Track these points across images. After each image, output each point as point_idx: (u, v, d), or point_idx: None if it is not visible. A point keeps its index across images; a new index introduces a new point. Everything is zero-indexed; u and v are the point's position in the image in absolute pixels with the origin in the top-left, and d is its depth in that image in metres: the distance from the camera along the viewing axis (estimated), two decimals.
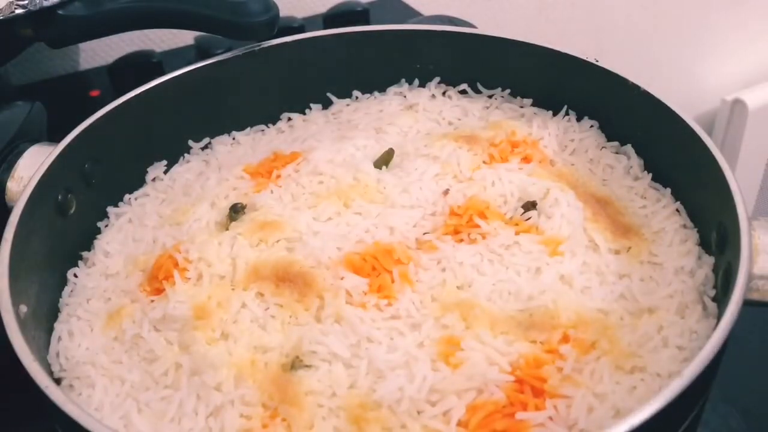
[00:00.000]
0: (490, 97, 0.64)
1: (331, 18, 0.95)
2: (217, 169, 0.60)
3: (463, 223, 0.52)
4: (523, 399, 0.41)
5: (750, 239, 0.43)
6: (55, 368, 0.47)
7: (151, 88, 0.59)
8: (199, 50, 0.88)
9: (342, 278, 0.48)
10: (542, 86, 0.62)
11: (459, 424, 0.40)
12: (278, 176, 0.57)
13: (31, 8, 0.58)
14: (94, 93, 0.88)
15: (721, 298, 0.46)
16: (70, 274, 0.53)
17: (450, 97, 0.65)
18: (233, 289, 0.49)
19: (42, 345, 0.48)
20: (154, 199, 0.59)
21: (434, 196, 0.54)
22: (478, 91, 0.65)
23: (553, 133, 0.59)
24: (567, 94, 0.61)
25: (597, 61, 0.58)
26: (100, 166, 0.56)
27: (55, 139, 0.54)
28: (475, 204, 0.52)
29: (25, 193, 0.49)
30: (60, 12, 0.59)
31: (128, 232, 0.56)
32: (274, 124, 0.66)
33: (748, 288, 0.41)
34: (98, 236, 0.56)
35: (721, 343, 0.38)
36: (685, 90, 1.44)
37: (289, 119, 0.66)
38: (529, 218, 0.52)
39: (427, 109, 0.64)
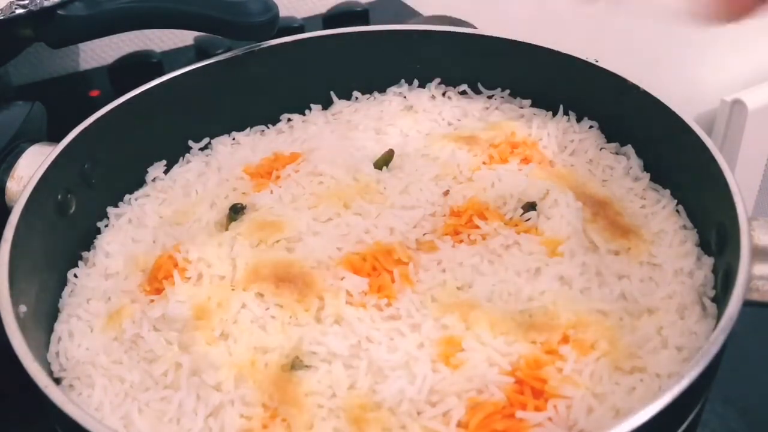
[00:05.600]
0: (489, 97, 0.65)
1: (330, 18, 0.95)
2: (217, 169, 0.60)
3: (463, 223, 0.52)
4: (523, 400, 0.41)
5: (750, 239, 0.43)
6: (54, 368, 0.47)
7: (151, 88, 0.59)
8: (199, 50, 0.88)
9: (342, 278, 0.48)
10: (542, 87, 0.62)
11: (459, 424, 0.40)
12: (278, 177, 0.57)
13: (31, 8, 0.58)
14: (94, 93, 0.88)
15: (720, 299, 0.46)
16: (70, 274, 0.53)
17: (450, 98, 0.65)
18: (233, 290, 0.49)
19: (42, 345, 0.48)
20: (154, 199, 0.59)
21: (434, 196, 0.54)
22: (478, 92, 0.65)
23: (553, 134, 0.59)
24: (567, 94, 0.61)
25: (597, 61, 0.58)
26: (100, 166, 0.56)
27: (55, 139, 0.54)
28: (474, 205, 0.52)
29: (24, 193, 0.49)
30: (60, 12, 0.59)
31: (128, 233, 0.56)
32: (274, 124, 0.66)
33: (748, 288, 0.41)
34: (98, 236, 0.56)
35: (721, 344, 0.38)
36: (685, 90, 1.44)
37: (289, 120, 0.66)
38: (529, 219, 0.52)
39: (426, 109, 0.64)
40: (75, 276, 0.53)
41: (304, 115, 0.66)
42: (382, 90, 0.66)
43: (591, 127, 0.60)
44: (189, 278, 0.49)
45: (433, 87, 0.66)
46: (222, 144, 0.63)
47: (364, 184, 0.55)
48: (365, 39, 0.65)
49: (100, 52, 0.93)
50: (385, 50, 0.65)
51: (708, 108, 1.46)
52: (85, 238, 0.56)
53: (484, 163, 0.57)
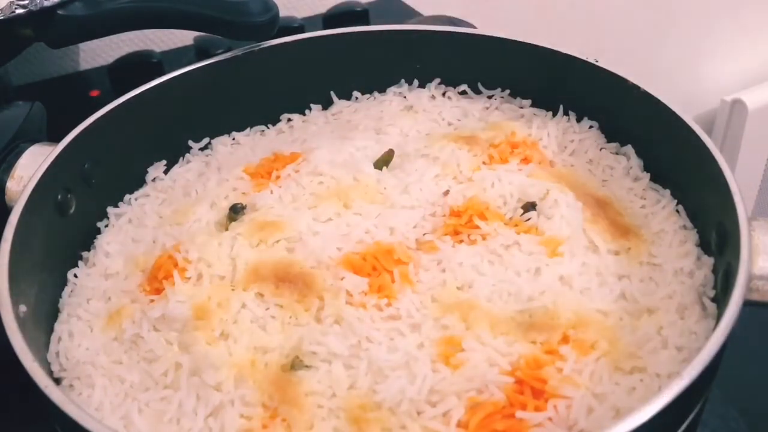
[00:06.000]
0: (489, 97, 0.64)
1: (330, 18, 0.95)
2: (217, 169, 0.60)
3: (463, 223, 0.52)
4: (523, 400, 0.41)
5: (750, 239, 0.43)
6: (54, 368, 0.47)
7: (151, 88, 0.59)
8: (199, 50, 0.88)
9: (342, 278, 0.48)
10: (542, 86, 0.62)
11: (459, 424, 0.40)
12: (278, 177, 0.57)
13: (31, 8, 0.58)
14: (94, 93, 0.88)
15: (720, 299, 0.46)
16: (70, 274, 0.53)
17: (450, 98, 0.65)
18: (233, 290, 0.49)
19: (42, 345, 0.48)
20: (154, 199, 0.59)
21: (434, 196, 0.54)
22: (478, 92, 0.65)
23: (553, 134, 0.59)
24: (567, 94, 0.61)
25: (597, 61, 0.58)
26: (100, 166, 0.56)
27: (55, 139, 0.54)
28: (474, 205, 0.52)
29: (24, 193, 0.49)
30: (60, 12, 0.59)
31: (128, 233, 0.56)
32: (274, 124, 0.66)
33: (748, 288, 0.41)
34: (98, 236, 0.56)
35: (721, 344, 0.38)
36: (685, 90, 1.44)
37: (289, 120, 0.66)
38: (529, 219, 0.52)
39: (426, 109, 0.64)
40: (75, 276, 0.53)
41: (304, 115, 0.66)
42: (382, 90, 0.66)
43: (591, 127, 0.60)
44: (189, 278, 0.49)
45: (433, 87, 0.66)
46: (222, 144, 0.63)
47: (364, 184, 0.55)
48: (365, 39, 0.64)
49: (100, 52, 0.93)
50: (385, 50, 0.65)
51: (708, 108, 1.46)
52: (85, 238, 0.56)
53: (484, 163, 0.57)
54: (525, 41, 0.61)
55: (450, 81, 0.65)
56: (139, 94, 0.58)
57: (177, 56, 0.91)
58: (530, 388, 0.41)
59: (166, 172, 0.61)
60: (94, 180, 0.56)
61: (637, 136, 0.57)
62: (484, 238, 0.51)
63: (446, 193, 0.54)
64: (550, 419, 0.40)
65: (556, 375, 0.42)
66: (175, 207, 0.57)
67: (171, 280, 0.49)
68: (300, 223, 0.52)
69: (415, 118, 0.63)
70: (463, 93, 0.65)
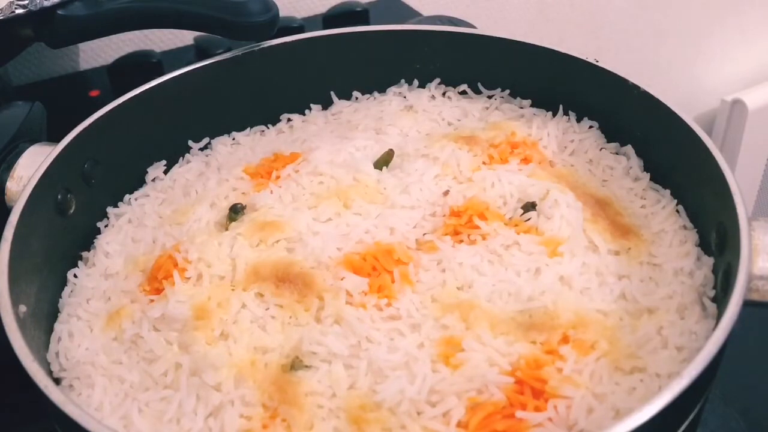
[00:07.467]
0: (489, 97, 0.65)
1: (330, 18, 0.95)
2: (216, 169, 0.60)
3: (463, 223, 0.52)
4: (523, 400, 0.41)
5: (750, 239, 0.43)
6: (54, 368, 0.47)
7: (150, 88, 0.59)
8: (199, 50, 0.88)
9: (342, 278, 0.48)
10: (542, 87, 0.62)
11: (459, 424, 0.40)
12: (278, 177, 0.57)
13: (31, 8, 0.58)
14: (94, 93, 0.88)
15: (720, 299, 0.46)
16: (69, 274, 0.53)
17: (450, 98, 0.65)
18: (233, 290, 0.49)
19: (42, 345, 0.48)
20: (154, 199, 0.59)
21: (434, 196, 0.54)
22: (478, 92, 0.65)
23: (553, 134, 0.59)
24: (567, 94, 0.61)
25: (597, 61, 0.58)
26: (100, 166, 0.56)
27: (55, 139, 0.54)
28: (474, 205, 0.52)
29: (24, 192, 0.49)
30: (60, 12, 0.59)
31: (128, 233, 0.56)
32: (274, 124, 0.66)
33: (748, 288, 0.41)
34: (98, 236, 0.56)
35: (721, 344, 0.38)
36: (685, 90, 1.44)
37: (289, 120, 0.66)
38: (529, 219, 0.52)
39: (426, 109, 0.64)
40: (75, 276, 0.53)
41: (304, 115, 0.66)
42: (382, 90, 0.66)
43: (591, 127, 0.60)
44: (189, 278, 0.49)
45: (433, 87, 0.66)
46: (222, 144, 0.63)
47: (364, 184, 0.55)
48: (365, 39, 0.65)
49: (100, 52, 0.93)
50: (385, 50, 0.65)
51: (708, 108, 1.46)
52: (85, 238, 0.56)
53: (484, 163, 0.57)
54: (525, 41, 0.61)
55: (450, 81, 0.66)
56: (139, 94, 0.58)
57: (177, 56, 0.91)
58: (530, 388, 0.41)
59: (166, 172, 0.61)
60: (94, 180, 0.56)
61: (637, 136, 0.57)
62: (484, 238, 0.51)
63: (446, 193, 0.54)
64: (550, 419, 0.40)
65: (556, 375, 0.42)
66: (175, 207, 0.57)
67: (171, 280, 0.49)
68: (300, 223, 0.52)
69: (415, 118, 0.63)
70: (463, 93, 0.65)
